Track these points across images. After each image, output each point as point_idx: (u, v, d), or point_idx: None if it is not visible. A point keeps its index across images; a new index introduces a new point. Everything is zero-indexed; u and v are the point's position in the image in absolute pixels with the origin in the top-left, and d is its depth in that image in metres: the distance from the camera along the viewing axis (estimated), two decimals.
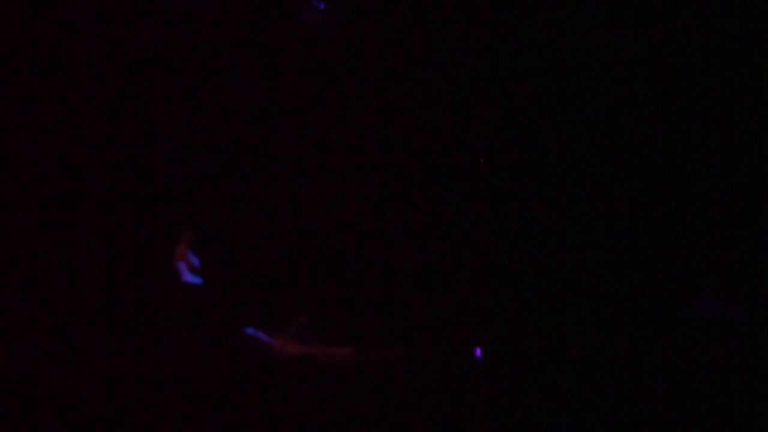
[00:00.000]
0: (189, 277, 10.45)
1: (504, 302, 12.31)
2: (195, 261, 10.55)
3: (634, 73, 12.48)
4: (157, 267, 11.22)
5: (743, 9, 11.44)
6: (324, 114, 12.34)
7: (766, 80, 11.53)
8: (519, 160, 12.50)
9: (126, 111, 11.05)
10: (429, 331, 12.16)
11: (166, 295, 10.96)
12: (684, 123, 12.36)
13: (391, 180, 12.48)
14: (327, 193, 12.28)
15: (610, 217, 12.43)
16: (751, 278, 11.46)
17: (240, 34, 11.55)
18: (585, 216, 12.50)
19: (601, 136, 12.55)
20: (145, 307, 11.10)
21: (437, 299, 12.36)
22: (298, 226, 12.13)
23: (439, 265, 12.47)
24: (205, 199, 11.62)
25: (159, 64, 11.35)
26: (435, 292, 12.39)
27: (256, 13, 11.40)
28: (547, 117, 12.62)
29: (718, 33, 11.84)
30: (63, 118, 10.84)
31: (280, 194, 12.00)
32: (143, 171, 11.23)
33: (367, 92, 12.51)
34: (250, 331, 10.99)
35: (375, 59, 12.36)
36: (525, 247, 12.47)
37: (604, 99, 12.50)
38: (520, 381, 6.68)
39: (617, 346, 7.29)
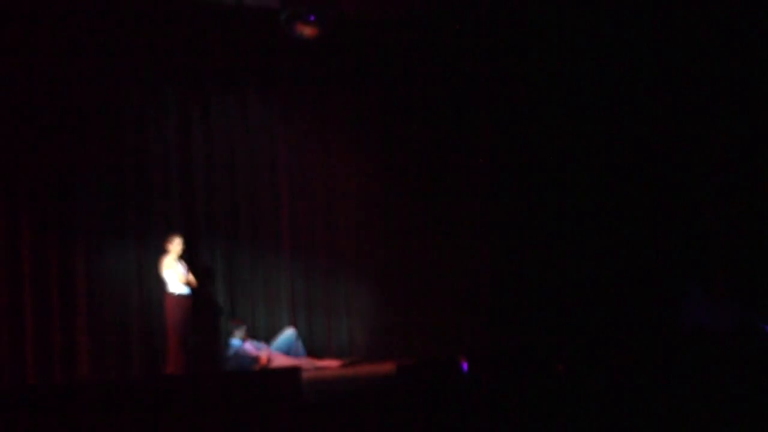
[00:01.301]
0: (176, 287, 10.41)
1: (491, 313, 12.37)
2: (181, 269, 10.54)
3: (632, 72, 12.58)
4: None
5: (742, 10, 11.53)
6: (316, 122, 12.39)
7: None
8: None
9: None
10: (417, 345, 12.21)
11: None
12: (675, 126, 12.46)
13: (382, 190, 12.50)
14: (316, 199, 12.29)
15: (598, 225, 12.51)
16: (740, 284, 11.53)
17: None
18: (572, 226, 12.57)
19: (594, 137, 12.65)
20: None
21: (426, 312, 12.40)
22: (284, 235, 12.13)
23: (426, 278, 12.52)
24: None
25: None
26: (423, 305, 12.43)
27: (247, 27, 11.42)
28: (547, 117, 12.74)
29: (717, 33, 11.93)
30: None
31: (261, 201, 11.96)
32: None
33: (359, 101, 12.57)
34: (236, 342, 10.99)
35: (366, 69, 12.41)
36: (511, 258, 12.55)
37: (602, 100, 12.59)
38: (506, 394, 6.68)
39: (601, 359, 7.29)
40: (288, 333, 11.42)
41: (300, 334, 11.56)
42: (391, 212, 12.62)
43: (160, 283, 10.56)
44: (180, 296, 10.40)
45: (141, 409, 6.16)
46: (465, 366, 7.12)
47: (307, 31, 10.54)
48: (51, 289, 10.61)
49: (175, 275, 10.41)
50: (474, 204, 12.74)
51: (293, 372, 7.05)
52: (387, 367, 9.17)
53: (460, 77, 12.68)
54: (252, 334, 11.50)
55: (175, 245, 10.57)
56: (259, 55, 11.84)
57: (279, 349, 11.20)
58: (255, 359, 10.81)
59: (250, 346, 11.03)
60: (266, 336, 11.63)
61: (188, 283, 10.50)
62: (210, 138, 11.82)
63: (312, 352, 11.77)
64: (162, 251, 10.64)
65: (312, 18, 10.46)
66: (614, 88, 12.62)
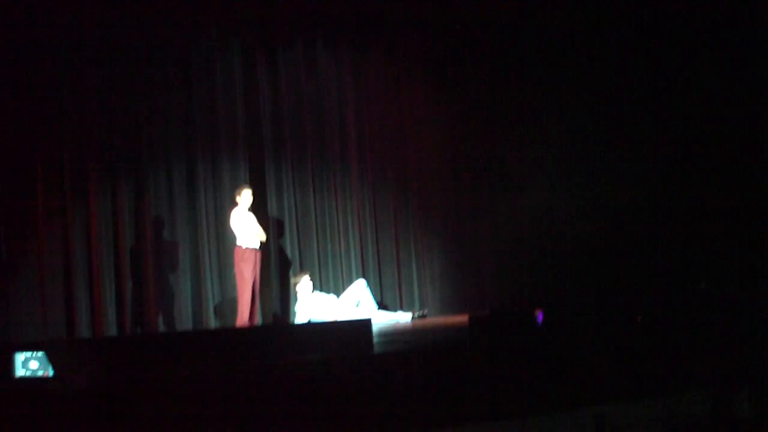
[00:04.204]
0: (246, 240, 10.36)
1: (568, 266, 12.12)
2: (251, 222, 10.48)
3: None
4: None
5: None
6: None
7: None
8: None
9: None
10: (490, 299, 12.03)
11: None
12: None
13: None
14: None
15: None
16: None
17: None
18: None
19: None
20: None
21: (500, 264, 12.20)
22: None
23: (499, 230, 12.31)
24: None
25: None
26: (497, 257, 12.22)
27: None
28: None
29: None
30: None
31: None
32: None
33: (429, 50, 12.36)
34: (304, 294, 10.92)
35: (435, 18, 12.20)
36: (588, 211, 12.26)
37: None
38: (581, 346, 6.49)
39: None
40: (358, 284, 11.31)
41: (370, 286, 11.46)
42: (464, 163, 12.42)
43: (230, 236, 10.53)
44: (249, 249, 10.34)
45: (209, 361, 6.10)
46: (540, 318, 6.93)
47: None
48: (120, 243, 10.61)
49: (244, 228, 10.35)
50: (548, 154, 12.44)
51: (364, 323, 6.94)
52: (460, 320, 9.02)
53: (533, 26, 12.39)
54: (321, 286, 11.45)
55: (245, 197, 10.49)
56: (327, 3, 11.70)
57: (349, 300, 11.10)
58: (323, 311, 10.75)
59: (318, 298, 10.97)
60: (335, 288, 11.57)
61: (258, 236, 10.43)
62: (277, 90, 11.71)
63: (382, 303, 11.70)
64: (232, 204, 10.59)
65: None
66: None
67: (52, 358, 5.28)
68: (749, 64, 11.78)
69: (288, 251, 11.60)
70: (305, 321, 10.59)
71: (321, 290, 11.32)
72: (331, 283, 11.69)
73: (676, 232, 12.12)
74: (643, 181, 12.19)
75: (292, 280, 11.18)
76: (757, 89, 11.72)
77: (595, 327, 6.92)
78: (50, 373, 5.30)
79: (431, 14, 12.17)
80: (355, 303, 11.10)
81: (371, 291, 11.36)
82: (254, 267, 10.37)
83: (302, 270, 11.28)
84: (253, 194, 10.68)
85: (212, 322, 10.91)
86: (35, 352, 5.32)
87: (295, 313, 11.00)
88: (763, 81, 11.66)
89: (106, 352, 5.81)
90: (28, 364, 5.34)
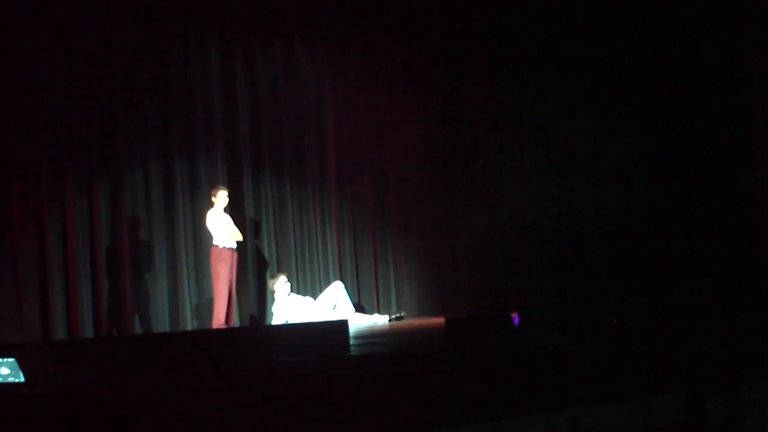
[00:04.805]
0: (221, 240, 10.32)
1: (544, 269, 12.14)
2: (227, 222, 10.43)
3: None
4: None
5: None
6: None
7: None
8: None
9: None
10: (466, 301, 12.04)
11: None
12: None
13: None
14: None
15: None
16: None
17: None
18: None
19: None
20: None
21: (475, 268, 12.21)
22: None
23: (476, 233, 12.31)
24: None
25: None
26: (472, 261, 12.23)
27: None
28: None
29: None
30: None
31: None
32: None
33: (407, 50, 12.37)
34: (281, 296, 10.90)
35: (414, 16, 12.21)
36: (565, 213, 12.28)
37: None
38: (558, 348, 6.51)
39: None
40: (335, 286, 11.29)
41: (347, 288, 11.44)
42: (440, 165, 12.43)
43: (207, 236, 10.48)
44: (226, 249, 10.30)
45: (186, 364, 6.08)
46: (516, 320, 6.96)
47: None
48: (96, 243, 10.53)
49: (220, 228, 10.31)
50: (527, 157, 12.48)
51: (341, 325, 6.95)
52: (436, 322, 9.03)
53: (510, 29, 12.42)
54: (298, 288, 11.43)
55: (220, 198, 10.45)
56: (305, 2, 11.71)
57: (326, 303, 11.09)
58: (299, 313, 10.72)
59: (295, 300, 10.95)
60: (313, 289, 11.54)
61: (233, 237, 10.39)
62: (255, 89, 11.67)
63: (359, 306, 11.69)
64: (208, 204, 10.55)
65: None
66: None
67: (22, 365, 5.23)
68: (728, 69, 11.85)
69: (265, 252, 11.56)
70: (282, 323, 10.56)
71: (298, 292, 11.29)
72: (308, 284, 11.66)
73: (653, 235, 12.16)
74: (620, 183, 12.21)
75: (269, 282, 11.15)
76: (736, 94, 11.79)
77: (571, 329, 6.95)
78: (21, 379, 5.25)
79: (409, 12, 12.17)
80: (332, 305, 11.08)
81: (348, 293, 11.34)
82: (231, 267, 10.33)
83: (279, 271, 11.25)
84: (230, 194, 10.64)
85: (189, 324, 10.85)
86: (6, 359, 5.26)
87: (272, 315, 10.97)
88: (743, 86, 11.73)
89: (78, 355, 5.78)
90: None
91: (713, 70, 11.72)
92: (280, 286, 10.87)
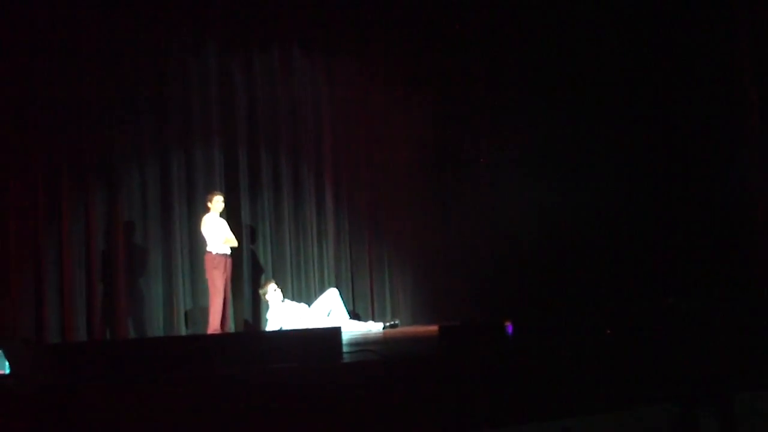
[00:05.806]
0: (216, 246, 10.30)
1: (538, 278, 12.13)
2: (222, 228, 10.42)
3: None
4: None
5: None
6: None
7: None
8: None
9: None
10: (461, 310, 12.03)
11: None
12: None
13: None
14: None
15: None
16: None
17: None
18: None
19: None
20: None
21: (471, 276, 12.19)
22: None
23: (472, 241, 12.30)
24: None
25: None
26: (468, 269, 12.21)
27: None
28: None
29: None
30: None
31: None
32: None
33: (404, 54, 12.39)
34: (275, 302, 10.87)
35: (410, 20, 12.23)
36: (560, 221, 12.27)
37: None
38: (551, 358, 6.50)
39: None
40: (330, 293, 11.28)
41: (342, 295, 11.42)
42: (436, 174, 12.43)
43: (202, 242, 10.47)
44: (219, 255, 10.28)
45: (179, 369, 6.05)
46: (510, 329, 6.93)
47: None
48: (92, 247, 10.51)
49: (215, 234, 10.30)
50: (521, 164, 12.47)
51: (333, 332, 6.91)
52: (430, 330, 9.01)
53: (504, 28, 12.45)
54: (293, 294, 11.41)
55: (216, 203, 10.45)
56: (302, 7, 11.72)
57: (320, 309, 11.07)
58: (294, 319, 10.70)
59: (289, 307, 10.93)
60: (308, 296, 11.53)
61: (227, 242, 10.38)
62: (252, 93, 11.68)
63: (354, 313, 11.67)
64: (204, 209, 10.54)
65: None
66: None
67: (9, 356, 5.22)
68: (719, 76, 11.88)
69: (261, 258, 11.55)
70: (276, 329, 10.54)
71: (293, 298, 11.28)
72: (303, 291, 11.65)
73: (647, 246, 12.17)
74: (614, 193, 12.23)
75: (260, 291, 11.13)
76: (727, 103, 11.81)
77: (565, 339, 6.93)
78: (6, 370, 5.24)
79: (407, 17, 12.18)
80: (327, 312, 11.06)
81: (343, 300, 11.32)
82: (224, 273, 10.31)
83: (267, 279, 11.22)
84: (227, 200, 10.64)
85: (183, 329, 10.83)
86: None
87: (266, 321, 10.95)
88: (732, 93, 11.76)
89: (68, 358, 5.75)
90: None
91: (710, 79, 11.76)
92: (271, 294, 10.85)
